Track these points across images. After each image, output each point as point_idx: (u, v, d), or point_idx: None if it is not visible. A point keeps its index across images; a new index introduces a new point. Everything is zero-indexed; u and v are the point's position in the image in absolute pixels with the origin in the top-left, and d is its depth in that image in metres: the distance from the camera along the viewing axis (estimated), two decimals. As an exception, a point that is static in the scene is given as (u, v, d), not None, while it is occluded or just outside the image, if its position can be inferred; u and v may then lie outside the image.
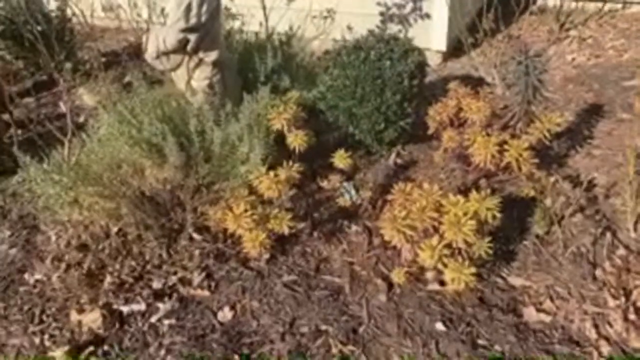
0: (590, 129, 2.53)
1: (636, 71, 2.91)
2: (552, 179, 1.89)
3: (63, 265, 1.82)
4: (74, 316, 1.65)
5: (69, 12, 3.67)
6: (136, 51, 3.71)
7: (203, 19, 2.00)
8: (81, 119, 2.89)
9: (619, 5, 3.79)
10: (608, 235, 1.81)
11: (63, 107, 3.20)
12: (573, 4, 3.64)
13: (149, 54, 2.06)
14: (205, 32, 2.05)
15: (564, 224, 1.88)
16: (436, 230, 1.50)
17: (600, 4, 3.76)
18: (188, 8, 1.96)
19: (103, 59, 3.40)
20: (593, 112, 2.68)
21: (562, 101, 2.83)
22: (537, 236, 1.83)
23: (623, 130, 2.47)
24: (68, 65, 3.06)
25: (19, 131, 2.78)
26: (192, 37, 2.03)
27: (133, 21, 4.18)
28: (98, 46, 4.11)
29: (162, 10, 3.78)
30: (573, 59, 3.34)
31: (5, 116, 2.84)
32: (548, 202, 1.79)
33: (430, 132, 2.16)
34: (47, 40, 3.41)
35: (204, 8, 1.99)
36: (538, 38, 3.65)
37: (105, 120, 1.93)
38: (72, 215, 1.87)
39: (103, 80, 3.15)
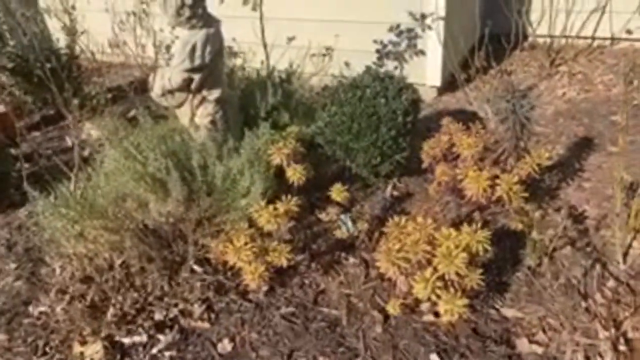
0: (580, 162, 2.61)
1: (626, 106, 3.00)
2: (540, 212, 1.94)
3: (67, 297, 1.86)
4: (77, 348, 1.68)
5: (77, 48, 3.81)
6: (141, 86, 3.84)
7: (207, 59, 2.10)
8: (86, 153, 2.98)
9: (607, 42, 3.93)
10: (598, 267, 1.86)
11: (69, 142, 3.30)
12: (563, 41, 3.78)
13: (155, 92, 2.16)
14: (209, 71, 2.16)
15: (555, 255, 1.93)
16: (429, 262, 1.55)
17: (589, 41, 3.90)
18: (193, 49, 2.07)
19: (109, 94, 3.52)
20: (583, 146, 2.77)
21: (554, 135, 2.92)
22: (529, 268, 1.88)
23: (612, 163, 2.54)
24: (75, 100, 3.17)
25: (26, 165, 2.87)
26: (196, 77, 2.13)
27: (138, 57, 4.35)
28: (104, 81, 4.25)
29: (167, 47, 3.95)
30: (564, 94, 3.45)
31: (13, 150, 2.94)
32: (538, 234, 1.84)
33: (424, 166, 2.23)
34: (55, 76, 3.54)
35: (208, 49, 2.10)
36: (529, 73, 3.78)
37: (111, 155, 2.00)
38: (77, 248, 1.93)
39: (109, 115, 3.26)
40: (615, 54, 3.87)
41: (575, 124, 3.03)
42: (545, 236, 1.86)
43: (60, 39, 3.77)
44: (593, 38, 3.88)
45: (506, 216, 2.16)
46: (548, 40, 3.83)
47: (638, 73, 2.97)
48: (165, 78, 2.14)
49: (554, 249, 1.93)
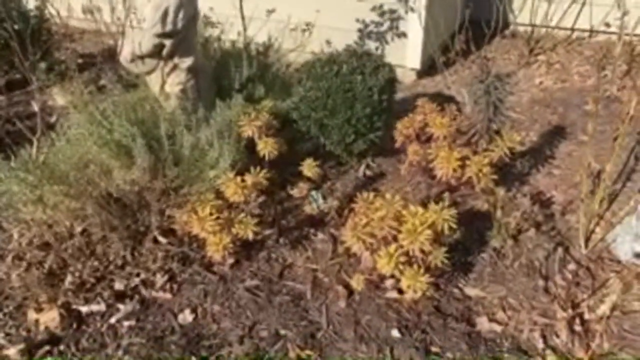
0: (552, 149, 2.64)
1: (597, 96, 3.04)
2: (507, 194, 1.96)
3: (24, 264, 1.80)
4: (31, 315, 1.63)
5: (47, 12, 3.66)
6: (113, 54, 3.71)
7: (179, 25, 2.03)
8: (53, 119, 2.87)
9: (586, 34, 3.97)
10: (560, 250, 1.89)
11: (35, 106, 3.18)
12: (543, 30, 3.80)
13: (124, 57, 2.08)
14: (181, 38, 2.09)
15: (520, 238, 1.95)
16: (395, 239, 1.54)
17: (568, 32, 3.92)
18: (165, 14, 1.99)
19: (80, 61, 3.40)
20: (556, 133, 2.80)
21: (528, 122, 2.94)
22: (494, 249, 1.90)
23: (583, 151, 2.58)
24: (42, 64, 3.04)
25: (-13, 129, 2.76)
26: (168, 43, 2.06)
27: (112, 24, 4.19)
28: (75, 47, 4.10)
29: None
30: (541, 82, 3.48)
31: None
32: (504, 217, 1.86)
33: (397, 145, 2.22)
34: (22, 39, 3.39)
35: (181, 15, 2.02)
36: (509, 61, 3.79)
37: (76, 120, 1.93)
38: (35, 214, 1.86)
39: (77, 82, 3.14)
40: (593, 46, 3.91)
41: (549, 112, 3.06)
42: (511, 219, 1.87)
43: (29, 1, 3.60)
44: (572, 29, 3.90)
45: (476, 198, 2.17)
46: (529, 29, 3.84)
47: (610, 64, 3.01)
48: (136, 43, 2.06)
49: (519, 231, 1.96)
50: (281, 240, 1.98)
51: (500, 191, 1.83)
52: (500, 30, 3.61)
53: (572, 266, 1.84)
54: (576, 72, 3.57)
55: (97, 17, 4.20)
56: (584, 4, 3.65)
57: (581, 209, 1.97)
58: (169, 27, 2.01)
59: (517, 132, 2.75)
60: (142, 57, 2.09)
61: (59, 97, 3.08)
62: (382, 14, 3.29)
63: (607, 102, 3.01)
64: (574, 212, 2.11)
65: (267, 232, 2.00)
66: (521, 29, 3.94)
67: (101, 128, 1.86)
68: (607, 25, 3.83)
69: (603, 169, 2.28)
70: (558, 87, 3.41)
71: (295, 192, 2.18)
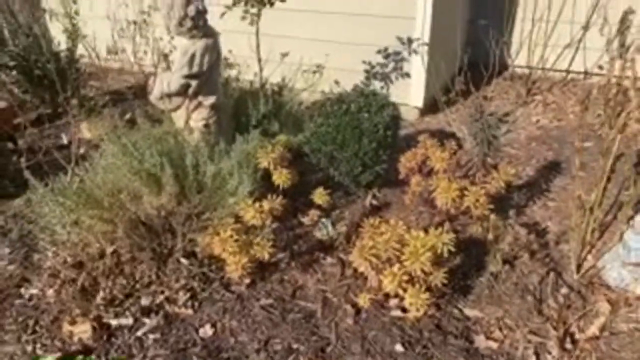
0: (547, 183, 2.80)
1: (591, 134, 3.24)
2: (502, 222, 2.11)
3: (58, 281, 1.97)
4: (66, 327, 1.78)
5: (77, 52, 3.96)
6: (136, 91, 3.99)
7: (204, 67, 2.27)
8: (82, 151, 3.10)
9: (581, 76, 4.20)
10: (553, 275, 2.03)
11: (64, 139, 3.42)
12: (540, 72, 4.04)
13: (154, 95, 2.31)
14: (206, 79, 2.32)
15: (515, 264, 2.09)
16: (398, 260, 1.70)
17: (564, 74, 4.16)
18: (192, 58, 2.23)
19: (106, 97, 3.66)
20: (551, 169, 2.97)
21: (525, 157, 3.13)
22: (492, 273, 2.04)
23: (578, 186, 2.74)
24: (74, 100, 3.29)
25: (22, 159, 2.98)
26: (194, 83, 2.29)
27: (136, 64, 4.50)
28: (100, 85, 4.40)
29: (165, 56, 4.12)
30: (537, 121, 3.68)
31: (11, 145, 3.05)
32: (498, 243, 2.01)
33: (401, 177, 2.40)
34: (54, 77, 3.68)
35: (206, 58, 2.26)
36: (508, 100, 4.02)
37: (109, 150, 2.14)
38: (70, 236, 2.04)
39: (105, 117, 3.39)
40: (587, 87, 4.13)
41: (545, 149, 3.24)
42: (506, 245, 2.02)
43: (61, 42, 3.91)
44: (568, 71, 4.14)
45: (474, 227, 2.33)
46: (526, 70, 4.08)
47: (595, 104, 3.20)
48: (165, 82, 2.29)
49: (515, 258, 2.10)
50: (293, 263, 2.13)
51: (496, 220, 1.98)
52: (499, 73, 3.85)
53: (564, 290, 1.97)
54: (571, 112, 3.78)
55: (121, 57, 4.53)
56: (577, 48, 3.90)
57: (572, 237, 2.12)
58: (195, 69, 2.25)
59: (515, 167, 2.92)
60: (170, 96, 2.32)
61: (87, 131, 3.32)
62: (387, 56, 3.54)
63: (600, 140, 3.20)
64: (567, 242, 2.26)
65: (280, 255, 2.16)
66: (519, 70, 4.19)
67: (133, 158, 2.06)
68: (600, 67, 4.07)
69: (595, 203, 2.45)
70: (554, 125, 3.61)
71: (306, 219, 2.35)
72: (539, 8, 3.74)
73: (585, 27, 3.72)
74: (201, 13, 2.23)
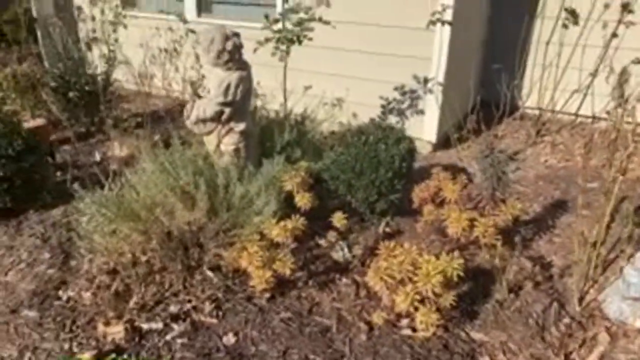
0: (553, 220, 2.94)
1: (597, 176, 3.38)
2: (509, 252, 2.24)
3: (94, 286, 2.13)
4: (101, 328, 1.93)
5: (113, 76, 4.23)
6: (164, 115, 4.23)
7: (238, 97, 2.48)
8: (114, 167, 3.30)
9: (589, 120, 4.37)
10: (556, 305, 2.14)
11: (97, 156, 3.64)
12: (549, 114, 4.22)
13: (191, 120, 2.51)
14: (238, 107, 2.53)
15: (520, 293, 2.22)
16: (411, 280, 1.84)
17: (573, 117, 4.33)
18: (227, 87, 2.44)
19: (139, 119, 3.89)
20: (558, 206, 3.11)
21: (532, 195, 3.27)
22: (497, 301, 2.16)
23: (582, 223, 2.88)
24: (110, 121, 3.53)
25: (59, 173, 3.19)
26: (227, 110, 2.50)
27: (163, 89, 4.78)
28: (129, 107, 4.66)
29: (192, 83, 4.39)
30: (546, 161, 3.84)
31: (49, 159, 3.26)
32: (504, 272, 2.14)
33: (414, 206, 2.56)
34: (90, 98, 3.94)
35: (240, 88, 2.48)
36: (517, 140, 4.19)
37: (147, 168, 2.33)
38: (107, 245, 2.21)
39: (136, 137, 3.61)
40: (595, 131, 4.30)
41: (552, 188, 3.38)
42: (513, 275, 2.15)
43: (98, 66, 4.19)
44: (576, 115, 4.32)
45: (482, 258, 2.46)
46: (536, 112, 4.27)
47: (601, 148, 3.36)
48: (201, 109, 2.50)
49: (520, 288, 2.22)
50: (310, 282, 2.27)
51: (504, 251, 2.12)
52: (510, 113, 4.04)
53: (566, 320, 2.09)
54: (579, 154, 3.93)
55: (150, 83, 4.82)
56: (585, 94, 4.09)
57: (575, 272, 2.25)
58: (229, 98, 2.46)
59: (522, 203, 3.07)
60: (204, 121, 2.53)
61: (118, 149, 3.53)
62: (403, 94, 3.76)
63: (604, 182, 3.34)
64: (571, 275, 2.38)
65: (298, 274, 2.30)
66: (529, 112, 4.37)
67: (169, 176, 2.24)
68: (608, 113, 4.24)
69: (598, 240, 2.58)
70: (561, 165, 3.76)
71: (323, 241, 2.51)
72: (549, 55, 3.96)
73: (593, 75, 3.91)
74: (237, 48, 2.45)
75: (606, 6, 3.64)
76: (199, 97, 3.80)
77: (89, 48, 3.94)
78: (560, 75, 4.02)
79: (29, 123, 3.37)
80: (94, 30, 4.08)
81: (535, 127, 4.22)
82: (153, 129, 3.91)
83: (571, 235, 2.77)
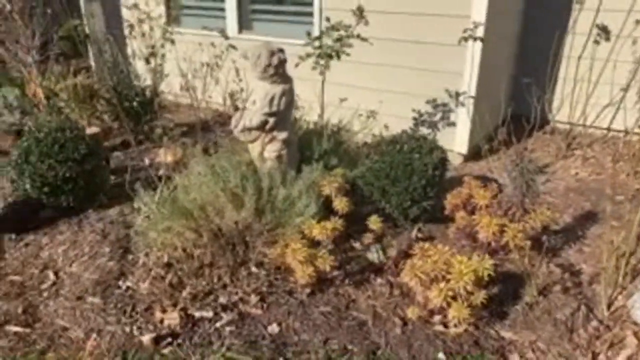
0: (583, 231, 3.00)
1: (629, 188, 3.42)
2: (538, 259, 2.34)
3: (150, 277, 2.33)
4: (158, 314, 2.13)
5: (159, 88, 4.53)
6: (205, 125, 4.49)
7: (281, 107, 2.68)
8: (161, 172, 3.55)
9: (621, 135, 4.39)
10: (584, 309, 2.23)
11: (146, 161, 3.91)
12: (580, 128, 4.27)
13: (238, 128, 2.72)
14: (281, 117, 2.73)
15: (550, 297, 2.31)
16: (444, 278, 1.97)
17: (605, 131, 4.37)
18: (272, 99, 2.65)
19: (184, 128, 4.15)
20: (588, 218, 3.17)
21: (562, 206, 3.34)
22: (527, 303, 2.26)
23: (612, 234, 2.93)
24: (158, 130, 3.79)
25: (113, 177, 3.45)
26: (271, 120, 2.70)
27: (204, 101, 5.05)
28: (172, 118, 4.95)
29: (231, 95, 4.65)
30: (576, 174, 3.89)
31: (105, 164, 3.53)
32: (536, 279, 2.24)
33: (446, 213, 2.68)
34: (138, 109, 4.23)
35: (283, 100, 2.67)
36: (548, 153, 4.25)
37: (199, 171, 2.54)
38: (161, 240, 2.42)
39: (182, 145, 3.86)
40: (627, 145, 4.31)
41: (583, 200, 3.44)
42: (542, 280, 2.25)
43: (147, 79, 4.49)
44: (608, 129, 4.35)
45: (512, 263, 2.56)
46: (567, 126, 4.32)
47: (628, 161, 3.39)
48: (247, 118, 2.71)
49: (549, 292, 2.31)
50: (346, 280, 2.42)
51: (540, 258, 2.21)
52: (540, 127, 4.12)
53: (594, 323, 2.16)
54: (610, 167, 3.97)
55: (192, 95, 5.10)
56: (618, 108, 4.13)
57: (604, 279, 2.32)
58: (274, 108, 2.66)
59: (552, 214, 3.15)
60: (250, 129, 2.73)
61: (164, 156, 3.79)
62: (435, 106, 3.90)
63: (637, 193, 3.38)
64: (599, 283, 2.45)
65: (335, 273, 2.45)
66: (560, 125, 4.43)
67: (219, 179, 2.45)
68: None
69: (627, 249, 2.64)
70: (592, 178, 3.81)
71: (358, 244, 2.66)
72: (580, 69, 4.03)
73: (625, 90, 3.96)
74: (282, 62, 2.66)
75: (638, 22, 3.71)
76: (237, 108, 4.03)
77: (147, 62, 4.23)
78: (592, 89, 4.08)
79: (87, 130, 3.66)
80: (150, 46, 4.38)
81: (566, 140, 4.27)
82: (197, 138, 4.17)
83: (601, 245, 2.83)
